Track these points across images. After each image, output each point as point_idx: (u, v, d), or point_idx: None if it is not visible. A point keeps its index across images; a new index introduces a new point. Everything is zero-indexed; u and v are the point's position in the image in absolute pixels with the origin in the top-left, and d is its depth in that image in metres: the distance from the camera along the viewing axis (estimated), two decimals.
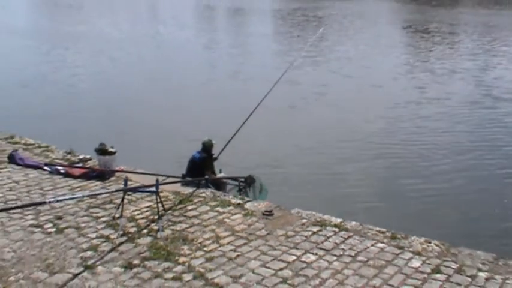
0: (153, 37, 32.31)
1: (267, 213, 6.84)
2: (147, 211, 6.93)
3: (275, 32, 35.57)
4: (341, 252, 5.88)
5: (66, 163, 8.83)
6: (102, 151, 8.40)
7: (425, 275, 5.47)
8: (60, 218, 6.69)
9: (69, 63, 24.21)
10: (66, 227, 6.44)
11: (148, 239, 6.14)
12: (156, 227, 6.40)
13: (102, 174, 8.19)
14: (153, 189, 6.57)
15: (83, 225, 6.51)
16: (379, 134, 14.07)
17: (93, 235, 6.25)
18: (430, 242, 6.12)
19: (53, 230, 6.37)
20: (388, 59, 24.88)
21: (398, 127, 14.73)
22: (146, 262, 5.65)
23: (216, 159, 9.14)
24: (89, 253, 5.83)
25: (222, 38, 32.50)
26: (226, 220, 6.68)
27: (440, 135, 14.08)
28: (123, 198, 6.57)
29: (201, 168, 8.49)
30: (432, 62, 24.06)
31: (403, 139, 13.77)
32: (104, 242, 6.08)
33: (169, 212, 6.88)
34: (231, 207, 7.07)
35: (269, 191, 8.72)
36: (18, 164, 8.65)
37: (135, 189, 7.18)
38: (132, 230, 6.37)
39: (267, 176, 9.60)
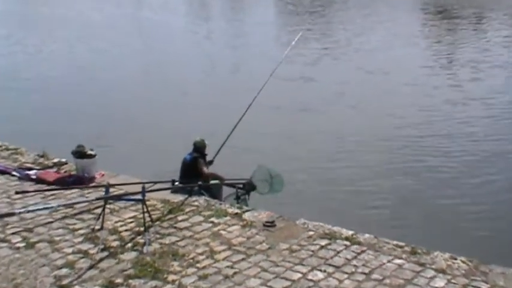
0: (140, 23, 32.37)
1: (269, 224, 6.79)
2: (131, 222, 6.89)
3: (278, 21, 35.57)
4: (353, 269, 5.82)
5: (38, 167, 8.78)
6: (80, 154, 8.38)
7: None
8: (30, 230, 6.64)
9: (44, 54, 24.25)
10: (38, 241, 6.39)
11: (133, 254, 6.10)
12: (142, 241, 6.36)
13: (80, 180, 8.16)
14: (139, 197, 6.54)
15: (57, 238, 6.46)
16: (400, 137, 13.92)
17: (70, 250, 6.19)
18: (455, 259, 6.06)
19: (22, 244, 6.32)
20: (416, 51, 24.44)
21: (425, 130, 14.44)
22: (130, 281, 5.60)
23: (211, 162, 9.12)
24: (64, 271, 5.78)
25: (218, 26, 32.57)
26: (222, 232, 6.64)
27: (475, 140, 13.74)
28: (104, 208, 6.53)
29: (193, 170, 8.45)
30: (468, 55, 23.33)
31: (429, 144, 13.54)
32: (82, 258, 6.03)
33: (157, 223, 6.84)
34: (227, 218, 7.04)
35: (276, 190, 8.60)
36: None
37: (118, 197, 7.15)
38: (115, 243, 6.33)
39: None
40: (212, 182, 8.78)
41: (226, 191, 8.89)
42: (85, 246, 6.28)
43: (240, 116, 9.61)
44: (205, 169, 8.60)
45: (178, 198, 7.68)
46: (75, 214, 7.10)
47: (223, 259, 6.02)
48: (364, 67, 21.24)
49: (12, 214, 6.14)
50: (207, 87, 19.03)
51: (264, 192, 8.54)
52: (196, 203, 7.52)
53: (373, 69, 20.84)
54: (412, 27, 30.10)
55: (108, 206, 6.80)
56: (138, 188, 6.64)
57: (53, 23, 30.76)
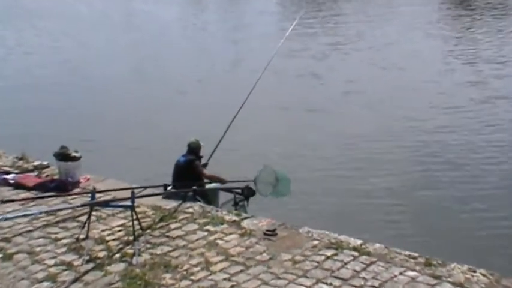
0: (131, 15, 32.39)
1: (270, 232, 6.78)
2: (119, 231, 6.87)
3: (281, 11, 35.54)
4: (362, 282, 5.79)
5: (17, 171, 8.77)
6: (63, 156, 8.36)
7: None
8: (8, 240, 6.62)
9: (25, 48, 24.22)
10: (16, 252, 6.37)
11: (121, 266, 6.08)
12: (131, 251, 6.34)
13: (63, 185, 8.14)
14: (128, 203, 6.51)
15: (37, 249, 6.44)
16: (415, 140, 13.78)
17: (51, 262, 6.17)
18: (475, 271, 6.02)
19: None
20: (435, 44, 24.12)
21: (444, 134, 14.29)
22: None
23: (206, 165, 9.14)
24: (45, 285, 5.75)
25: (215, 17, 32.54)
26: (218, 241, 6.63)
27: (499, 146, 13.49)
28: (89, 215, 6.51)
29: (187, 174, 8.44)
30: (493, 48, 22.97)
31: (447, 148, 13.36)
32: (65, 270, 6.01)
33: (148, 231, 6.83)
34: (224, 226, 7.02)
35: (281, 193, 8.57)
36: None
37: (104, 204, 7.13)
38: (101, 254, 6.31)
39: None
40: (208, 186, 8.80)
41: (223, 196, 8.89)
42: (68, 258, 6.24)
43: (234, 115, 9.59)
44: (205, 171, 8.61)
45: (171, 204, 7.66)
46: (58, 222, 7.07)
47: (220, 271, 5.99)
48: (378, 63, 21.09)
49: None
50: (203, 83, 19.03)
51: (266, 194, 8.51)
52: (190, 210, 7.50)
53: (388, 65, 20.68)
54: (430, 18, 29.91)
55: (94, 213, 6.78)
56: (127, 193, 6.61)
57: (34, 15, 30.77)
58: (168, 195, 8.05)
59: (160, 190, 8.21)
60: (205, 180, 8.85)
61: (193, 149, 8.82)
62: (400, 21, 29.01)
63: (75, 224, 7.00)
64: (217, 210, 7.63)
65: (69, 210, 7.25)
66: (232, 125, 9.55)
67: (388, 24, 28.52)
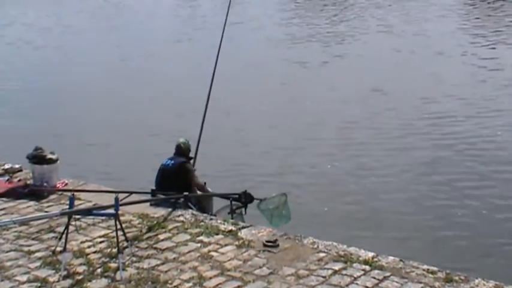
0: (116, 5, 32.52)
1: (270, 243, 6.79)
2: (101, 242, 6.89)
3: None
4: None
5: None
6: (38, 158, 8.35)
7: None
8: None
9: None
10: None
11: (104, 282, 6.09)
12: (114, 265, 6.35)
13: (37, 191, 8.14)
14: (111, 210, 6.52)
15: (8, 263, 6.44)
16: (433, 144, 13.75)
17: (24, 277, 6.17)
18: None
19: None
20: (461, 35, 23.91)
21: (471, 129, 14.24)
22: None
23: (192, 159, 9.08)
24: None
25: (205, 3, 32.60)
26: (213, 254, 6.65)
27: None
28: (67, 225, 6.47)
29: (178, 179, 8.42)
30: None
31: (473, 145, 13.28)
32: (40, 287, 6.01)
33: (134, 243, 6.84)
34: (219, 236, 7.04)
35: (274, 222, 8.60)
36: None
37: (85, 212, 7.14)
38: (81, 269, 6.32)
39: (270, 192, 9.51)
40: (200, 192, 8.78)
41: (217, 203, 8.87)
42: (43, 273, 6.25)
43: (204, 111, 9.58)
44: (196, 179, 8.54)
45: (160, 212, 7.68)
46: (32, 233, 7.08)
47: (215, 287, 5.99)
48: (406, 57, 20.71)
49: None
50: (188, 76, 18.93)
51: (262, 208, 8.50)
52: (181, 218, 7.52)
53: (414, 60, 20.30)
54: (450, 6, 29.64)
55: (72, 222, 6.72)
56: (110, 199, 6.62)
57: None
58: (156, 202, 8.04)
59: (148, 196, 8.20)
60: None
61: (184, 151, 8.77)
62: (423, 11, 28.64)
63: (51, 235, 7.02)
64: (211, 219, 7.65)
65: (45, 220, 7.25)
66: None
67: (409, 13, 28.22)
